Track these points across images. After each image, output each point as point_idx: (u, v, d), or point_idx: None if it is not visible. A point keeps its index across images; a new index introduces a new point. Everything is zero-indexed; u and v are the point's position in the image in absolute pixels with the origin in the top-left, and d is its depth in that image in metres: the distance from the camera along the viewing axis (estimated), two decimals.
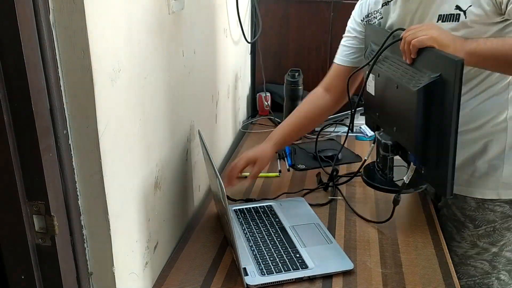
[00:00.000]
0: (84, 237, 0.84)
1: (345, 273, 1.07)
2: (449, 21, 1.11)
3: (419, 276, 1.06)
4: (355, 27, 1.40)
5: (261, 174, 1.55)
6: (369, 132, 1.85)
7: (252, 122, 2.06)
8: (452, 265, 1.11)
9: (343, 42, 1.43)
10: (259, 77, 2.20)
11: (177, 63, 1.15)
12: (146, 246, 1.02)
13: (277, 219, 1.26)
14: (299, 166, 1.61)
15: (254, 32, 2.08)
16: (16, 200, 0.73)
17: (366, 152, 1.72)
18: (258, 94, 2.12)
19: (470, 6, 1.07)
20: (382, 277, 1.06)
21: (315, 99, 1.47)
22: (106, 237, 0.84)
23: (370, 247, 1.17)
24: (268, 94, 2.11)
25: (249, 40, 2.00)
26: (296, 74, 1.79)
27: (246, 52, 2.08)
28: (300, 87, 1.79)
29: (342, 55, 1.42)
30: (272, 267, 1.07)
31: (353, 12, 1.41)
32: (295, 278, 1.05)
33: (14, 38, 0.65)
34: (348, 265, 1.09)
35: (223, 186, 0.95)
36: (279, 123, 1.96)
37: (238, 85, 1.92)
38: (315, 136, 1.86)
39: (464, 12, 1.08)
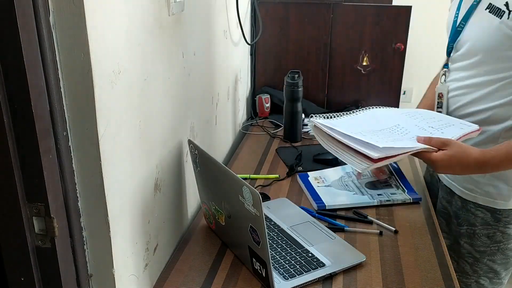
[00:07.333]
0: (84, 239, 0.84)
1: (345, 274, 1.07)
2: (494, 14, 1.10)
3: (419, 277, 1.06)
4: None
5: (261, 176, 1.55)
6: None
7: (252, 124, 2.06)
8: (452, 267, 1.11)
9: None
10: (259, 79, 2.21)
11: (177, 65, 1.15)
12: (146, 248, 1.02)
13: (272, 222, 1.25)
14: (299, 169, 1.61)
15: (254, 34, 2.08)
16: (16, 202, 0.73)
17: None
18: (257, 96, 2.12)
19: None
20: (382, 277, 1.06)
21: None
22: (106, 239, 0.84)
23: (370, 248, 1.17)
24: (268, 95, 2.11)
25: (249, 42, 2.00)
26: (296, 75, 1.78)
27: (246, 54, 2.08)
28: (300, 89, 1.79)
29: None
30: (291, 270, 1.06)
31: None
32: (318, 278, 1.04)
33: (14, 39, 0.65)
34: (360, 257, 1.11)
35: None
36: (279, 125, 1.98)
37: (238, 87, 1.92)
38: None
39: (510, 12, 1.07)
